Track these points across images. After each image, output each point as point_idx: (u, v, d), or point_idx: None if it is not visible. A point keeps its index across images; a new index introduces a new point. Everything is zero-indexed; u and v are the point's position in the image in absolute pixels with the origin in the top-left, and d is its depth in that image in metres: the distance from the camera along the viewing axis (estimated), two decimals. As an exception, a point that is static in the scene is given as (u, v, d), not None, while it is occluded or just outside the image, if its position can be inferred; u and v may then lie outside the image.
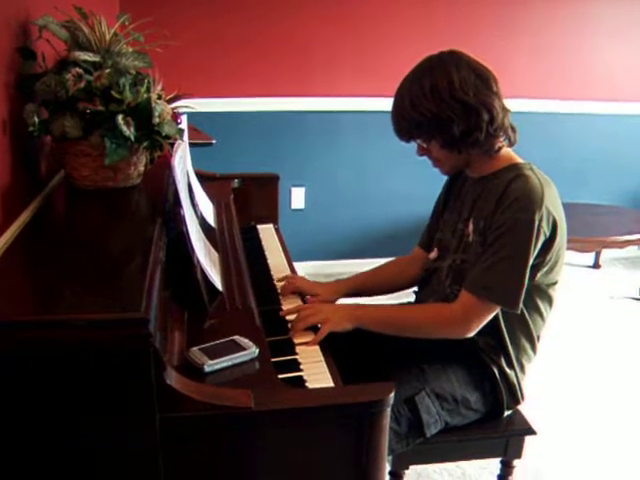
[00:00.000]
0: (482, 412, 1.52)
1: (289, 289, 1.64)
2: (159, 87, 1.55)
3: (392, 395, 1.04)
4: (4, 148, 1.35)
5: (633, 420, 2.40)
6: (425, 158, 1.53)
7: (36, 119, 1.40)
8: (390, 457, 1.46)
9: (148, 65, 1.54)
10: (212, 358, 1.13)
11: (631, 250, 3.84)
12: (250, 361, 1.18)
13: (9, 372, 0.92)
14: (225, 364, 1.14)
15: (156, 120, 1.47)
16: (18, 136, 1.41)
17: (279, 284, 1.68)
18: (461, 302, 1.42)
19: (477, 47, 1.93)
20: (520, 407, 1.58)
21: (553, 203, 1.40)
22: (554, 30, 3.57)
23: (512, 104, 1.50)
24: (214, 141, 2.39)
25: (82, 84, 1.40)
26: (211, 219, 1.82)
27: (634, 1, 3.63)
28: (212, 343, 1.18)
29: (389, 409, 1.05)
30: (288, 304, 1.57)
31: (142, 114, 1.45)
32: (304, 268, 3.02)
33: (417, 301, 1.69)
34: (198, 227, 1.50)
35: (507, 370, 1.50)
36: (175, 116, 1.59)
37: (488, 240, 1.41)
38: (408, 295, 1.76)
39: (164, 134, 1.51)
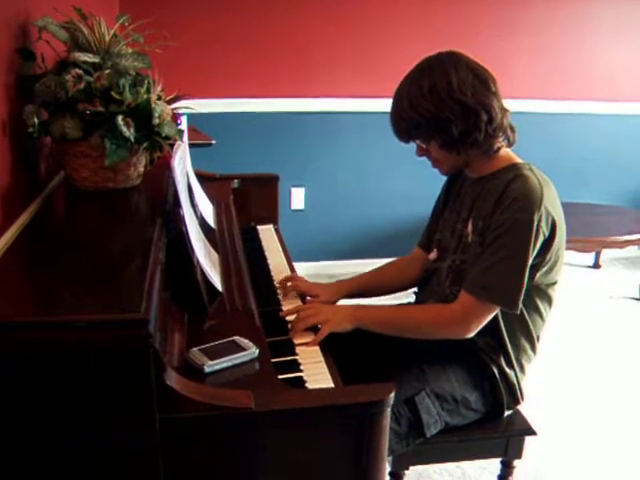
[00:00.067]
0: (482, 412, 1.52)
1: (289, 289, 1.64)
2: (159, 88, 1.55)
3: (392, 395, 1.04)
4: (4, 149, 1.35)
5: (633, 420, 2.40)
6: (424, 158, 1.53)
7: (36, 120, 1.40)
8: (390, 457, 1.46)
9: (148, 66, 1.54)
10: (212, 359, 1.13)
11: (631, 250, 3.84)
12: (250, 362, 1.18)
13: (9, 373, 0.92)
14: (225, 365, 1.14)
15: (156, 121, 1.47)
16: (18, 137, 1.41)
17: (279, 285, 1.68)
18: (461, 302, 1.43)
19: (477, 47, 1.94)
20: (520, 407, 1.58)
21: (552, 203, 1.40)
22: (554, 30, 3.58)
23: (512, 104, 1.50)
24: (214, 142, 2.39)
25: (82, 85, 1.40)
26: (211, 220, 1.82)
27: (634, 1, 3.63)
28: (212, 344, 1.18)
29: (389, 409, 1.05)
30: (288, 305, 1.57)
31: (142, 115, 1.45)
32: (304, 269, 3.01)
33: (417, 302, 1.69)
34: (198, 228, 1.50)
35: (507, 370, 1.50)
36: (175, 117, 1.59)
37: (487, 240, 1.41)
38: (408, 296, 1.76)
39: (164, 135, 1.51)
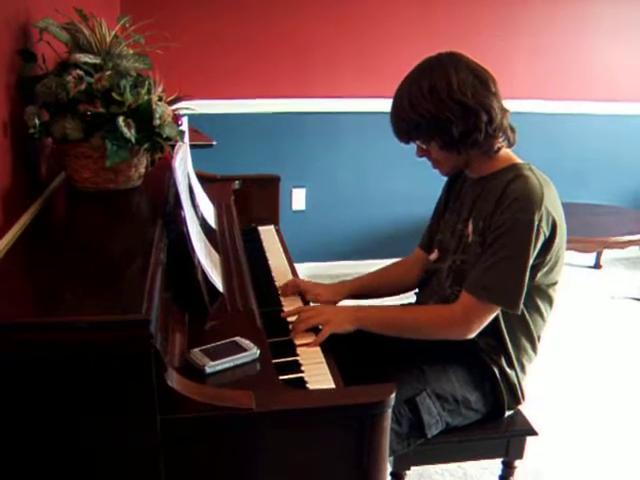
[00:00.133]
0: (483, 412, 1.52)
1: (290, 287, 1.64)
2: (160, 89, 1.55)
3: (393, 396, 1.04)
4: (5, 150, 1.35)
5: (634, 420, 2.40)
6: (425, 159, 1.53)
7: (37, 121, 1.40)
8: (391, 458, 1.46)
9: (149, 67, 1.54)
10: (213, 359, 1.14)
11: (632, 250, 3.84)
12: (251, 362, 1.18)
13: (10, 374, 0.92)
14: (226, 365, 1.15)
15: (157, 122, 1.47)
16: (19, 138, 1.41)
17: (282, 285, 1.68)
18: (461, 303, 1.43)
19: (477, 47, 1.94)
20: (521, 407, 1.59)
21: (552, 203, 1.40)
22: (554, 30, 3.58)
23: (512, 104, 1.50)
24: (215, 142, 2.39)
25: (83, 86, 1.40)
26: (212, 220, 1.82)
27: (634, 1, 3.63)
28: (213, 344, 1.18)
29: (390, 410, 1.05)
30: (289, 305, 1.57)
31: (143, 116, 1.45)
32: (305, 269, 3.02)
33: (418, 302, 1.69)
34: (199, 228, 1.51)
35: (507, 370, 1.50)
36: (176, 118, 1.59)
37: (488, 240, 1.41)
38: (409, 297, 1.76)
39: (165, 136, 1.51)
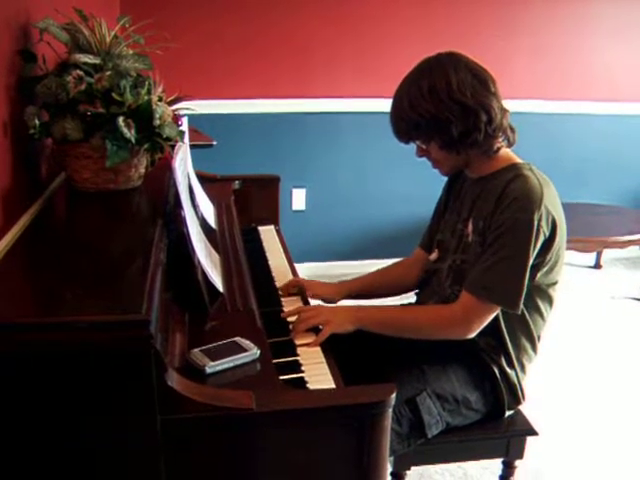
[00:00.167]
0: (483, 412, 1.52)
1: (291, 285, 1.64)
2: (160, 89, 1.55)
3: (393, 396, 1.04)
4: (5, 150, 1.35)
5: (634, 420, 2.40)
6: (425, 159, 1.53)
7: (37, 121, 1.40)
8: (391, 458, 1.46)
9: (148, 67, 1.54)
10: (213, 359, 1.14)
11: (632, 250, 3.84)
12: (251, 362, 1.18)
13: (10, 374, 0.92)
14: (226, 365, 1.15)
15: (157, 122, 1.47)
16: (19, 138, 1.41)
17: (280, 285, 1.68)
18: (461, 303, 1.43)
19: (477, 47, 1.94)
20: (521, 407, 1.59)
21: (552, 203, 1.40)
22: (554, 30, 3.58)
23: (512, 104, 1.50)
24: (215, 143, 2.39)
25: (83, 86, 1.40)
26: (212, 220, 1.82)
27: (634, 1, 3.63)
28: (213, 344, 1.18)
29: (390, 410, 1.05)
30: (289, 305, 1.57)
31: (143, 116, 1.45)
32: (305, 269, 3.02)
33: (418, 302, 1.69)
34: (199, 228, 1.51)
35: (508, 370, 1.50)
36: (176, 118, 1.59)
37: (488, 240, 1.41)
38: (409, 297, 1.76)
39: (165, 136, 1.51)
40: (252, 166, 2.82)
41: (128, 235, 1.36)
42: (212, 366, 1.13)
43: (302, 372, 1.27)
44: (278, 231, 2.15)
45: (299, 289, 1.66)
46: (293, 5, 3.24)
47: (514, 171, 1.43)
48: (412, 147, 1.52)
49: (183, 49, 2.40)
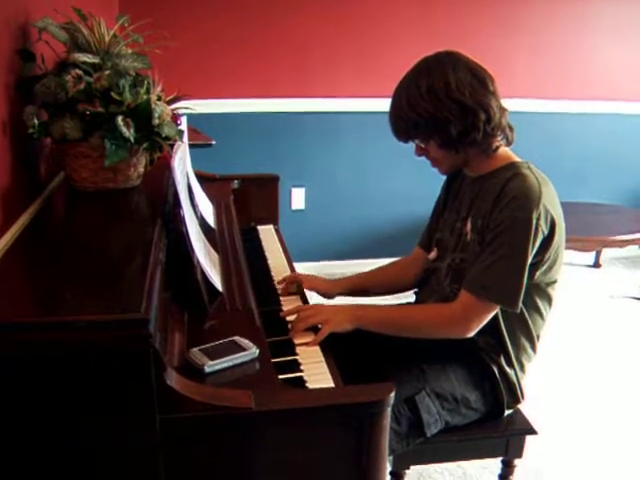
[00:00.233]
0: (482, 411, 1.52)
1: (288, 280, 1.65)
2: (159, 88, 1.55)
3: (392, 395, 1.04)
4: (4, 150, 1.35)
5: (633, 420, 2.40)
6: (424, 158, 1.53)
7: (36, 121, 1.40)
8: (391, 457, 1.46)
9: (147, 66, 1.54)
10: (212, 359, 1.14)
11: (631, 249, 3.84)
12: (250, 362, 1.18)
13: (10, 373, 0.92)
14: (225, 365, 1.15)
15: (156, 121, 1.47)
16: (18, 138, 1.41)
17: (279, 286, 1.68)
18: (460, 302, 1.43)
19: (476, 47, 1.94)
20: (520, 406, 1.59)
21: (551, 202, 1.40)
22: (554, 29, 3.58)
23: (511, 103, 1.50)
24: (214, 142, 2.39)
25: (82, 86, 1.40)
26: (211, 220, 1.82)
27: (633, 0, 3.63)
28: (212, 344, 1.19)
29: (389, 409, 1.05)
30: (288, 305, 1.57)
31: (142, 115, 1.45)
32: (305, 269, 3.01)
33: (417, 301, 1.69)
34: (198, 228, 1.51)
35: (507, 369, 1.50)
36: (175, 117, 1.59)
37: (486, 239, 1.41)
38: (408, 296, 1.76)
39: (164, 135, 1.51)
40: (251, 165, 2.81)
41: (127, 234, 1.36)
42: (211, 365, 1.13)
43: (301, 371, 1.27)
44: (277, 230, 2.15)
45: (297, 287, 1.66)
46: (292, 5, 3.24)
47: (513, 170, 1.43)
48: (411, 146, 1.52)
49: (182, 48, 2.40)
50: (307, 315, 1.44)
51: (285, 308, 1.55)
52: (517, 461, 1.60)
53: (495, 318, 1.45)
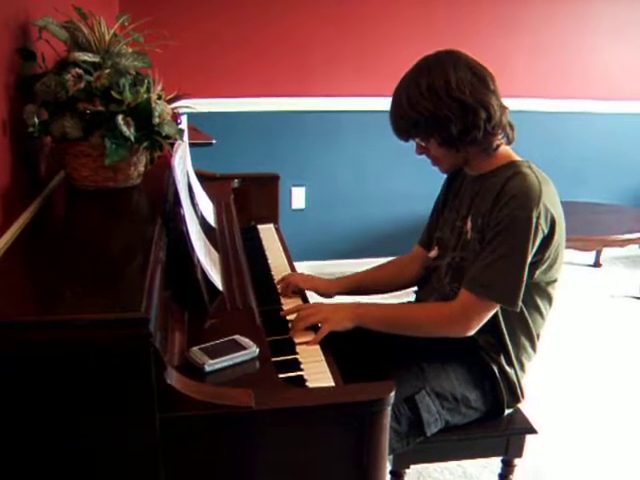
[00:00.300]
0: (482, 411, 1.52)
1: (286, 287, 1.64)
2: (159, 87, 1.55)
3: (392, 394, 1.04)
4: (4, 149, 1.35)
5: (633, 419, 2.41)
6: (424, 157, 1.53)
7: (36, 120, 1.40)
8: (391, 456, 1.46)
9: (148, 65, 1.54)
10: (212, 358, 1.14)
11: (632, 249, 3.83)
12: (250, 360, 1.18)
13: (10, 372, 0.92)
14: (225, 364, 1.15)
15: (156, 120, 1.47)
16: (18, 137, 1.41)
17: (279, 285, 1.68)
18: (460, 300, 1.43)
19: (477, 46, 1.94)
20: (521, 406, 1.59)
21: (551, 200, 1.40)
22: (554, 29, 3.58)
23: (511, 103, 1.50)
24: (214, 141, 2.39)
25: (82, 84, 1.40)
26: (211, 219, 1.82)
27: (633, 0, 3.63)
28: (212, 343, 1.19)
29: (389, 408, 1.05)
30: (289, 304, 1.57)
31: (142, 114, 1.45)
32: (305, 268, 3.01)
33: (417, 300, 1.69)
34: (198, 227, 1.51)
35: (507, 368, 1.50)
36: (175, 116, 1.59)
37: (486, 238, 1.41)
38: (409, 294, 1.76)
39: (164, 134, 1.51)
40: (251, 164, 2.82)
41: (127, 233, 1.36)
42: (211, 364, 1.13)
43: (301, 370, 1.26)
44: (277, 230, 2.15)
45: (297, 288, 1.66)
46: (292, 4, 3.24)
47: (513, 169, 1.43)
48: (411, 146, 1.52)
49: (182, 47, 2.40)
50: (307, 314, 1.44)
51: (285, 307, 1.55)
52: (517, 460, 1.60)
53: (495, 317, 1.45)
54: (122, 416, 0.96)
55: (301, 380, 1.23)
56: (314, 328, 1.42)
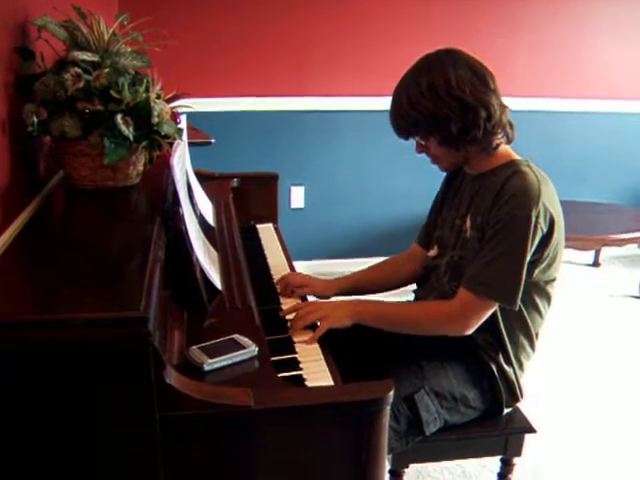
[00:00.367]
0: (481, 410, 1.52)
1: (285, 287, 1.64)
2: (158, 87, 1.55)
3: (391, 393, 1.04)
4: (3, 148, 1.35)
5: (632, 418, 2.41)
6: (424, 156, 1.53)
7: (35, 119, 1.40)
8: (390, 456, 1.46)
9: (147, 65, 1.54)
10: (212, 357, 1.14)
11: (631, 248, 3.84)
12: (250, 360, 1.18)
13: (9, 372, 0.92)
14: (225, 363, 1.15)
15: (155, 120, 1.47)
16: (17, 136, 1.41)
17: (279, 285, 1.68)
18: (459, 299, 1.43)
19: (477, 45, 1.94)
20: (519, 405, 1.59)
21: (550, 200, 1.40)
22: (554, 28, 3.58)
23: (511, 102, 1.50)
24: (213, 140, 2.39)
25: (81, 84, 1.40)
26: (210, 218, 1.82)
27: (634, 0, 3.63)
28: (212, 342, 1.19)
29: (388, 407, 1.05)
30: (288, 303, 1.57)
31: (141, 114, 1.45)
32: (304, 267, 3.02)
33: (416, 298, 1.69)
34: (197, 226, 1.51)
35: (506, 368, 1.51)
36: (174, 115, 1.59)
37: (485, 236, 1.41)
38: (408, 293, 1.76)
39: (163, 133, 1.51)
40: (251, 164, 2.82)
41: (126, 233, 1.36)
42: (210, 363, 1.13)
43: (300, 369, 1.27)
44: (277, 229, 2.15)
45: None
46: (291, 4, 3.24)
47: (512, 168, 1.43)
48: (411, 145, 1.52)
49: (181, 47, 2.40)
50: (306, 312, 1.44)
51: (284, 307, 1.55)
52: (516, 459, 1.60)
53: (494, 316, 1.45)
54: (121, 415, 0.96)
55: (300, 379, 1.23)
56: (313, 327, 1.42)
